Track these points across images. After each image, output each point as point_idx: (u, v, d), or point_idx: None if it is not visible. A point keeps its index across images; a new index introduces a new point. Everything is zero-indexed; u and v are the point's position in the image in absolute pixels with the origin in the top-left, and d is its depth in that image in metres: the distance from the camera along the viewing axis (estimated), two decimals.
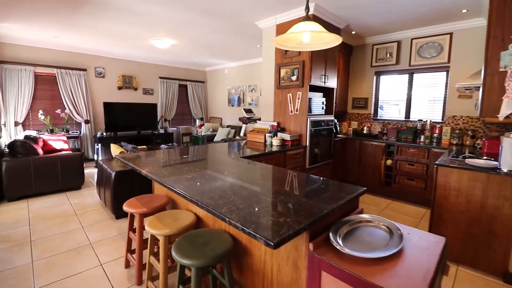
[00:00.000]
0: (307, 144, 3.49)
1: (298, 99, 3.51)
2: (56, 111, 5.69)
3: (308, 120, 3.45)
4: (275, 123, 3.75)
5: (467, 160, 2.39)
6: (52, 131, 5.59)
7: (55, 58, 5.70)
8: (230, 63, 7.50)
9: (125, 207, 1.96)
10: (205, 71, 8.66)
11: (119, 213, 3.11)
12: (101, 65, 6.38)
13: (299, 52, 3.45)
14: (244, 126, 6.10)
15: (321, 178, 1.78)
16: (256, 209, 1.23)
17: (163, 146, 5.81)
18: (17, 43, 5.24)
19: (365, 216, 1.38)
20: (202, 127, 7.81)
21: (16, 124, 5.27)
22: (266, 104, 4.02)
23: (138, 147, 5.32)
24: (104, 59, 6.41)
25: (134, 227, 2.21)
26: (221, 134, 7.04)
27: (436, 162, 2.43)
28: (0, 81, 5.06)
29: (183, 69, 8.04)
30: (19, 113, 5.29)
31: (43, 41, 5.21)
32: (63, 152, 4.17)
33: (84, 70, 6.02)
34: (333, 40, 1.60)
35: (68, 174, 4.05)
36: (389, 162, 4.01)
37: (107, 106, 6.23)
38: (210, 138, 7.19)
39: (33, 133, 4.96)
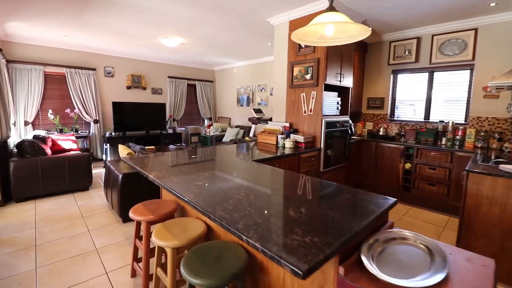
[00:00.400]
0: (322, 146, 3.32)
1: (313, 98, 3.34)
2: (65, 111, 5.67)
3: (323, 121, 3.28)
4: (288, 124, 3.59)
5: (501, 166, 2.18)
6: (61, 131, 5.57)
7: (64, 57, 5.67)
8: (239, 62, 7.37)
9: (131, 214, 1.84)
10: (214, 70, 8.56)
11: (126, 217, 3.01)
12: (110, 65, 6.34)
13: (314, 49, 3.28)
14: (253, 126, 5.96)
15: (344, 186, 1.62)
16: (276, 224, 1.08)
17: (171, 146, 5.72)
18: (27, 43, 5.23)
19: (399, 232, 1.21)
20: (211, 127, 7.70)
21: (26, 123, 5.27)
22: (277, 104, 3.86)
23: (146, 147, 5.25)
24: (113, 59, 6.37)
25: (140, 235, 2.09)
26: (230, 134, 6.92)
27: (467, 168, 2.22)
28: (11, 80, 5.05)
29: (191, 68, 7.96)
30: (29, 113, 5.28)
31: (52, 40, 5.19)
32: (71, 153, 4.11)
33: (94, 69, 5.99)
34: (360, 33, 1.43)
35: (76, 174, 3.99)
36: (407, 165, 3.80)
37: (116, 105, 6.18)
38: (218, 139, 7.08)
39: (42, 133, 4.93)
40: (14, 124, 5.00)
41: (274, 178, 1.80)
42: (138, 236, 2.05)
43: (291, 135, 3.36)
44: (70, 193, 4.00)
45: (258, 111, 6.12)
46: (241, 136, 6.85)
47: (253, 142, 3.80)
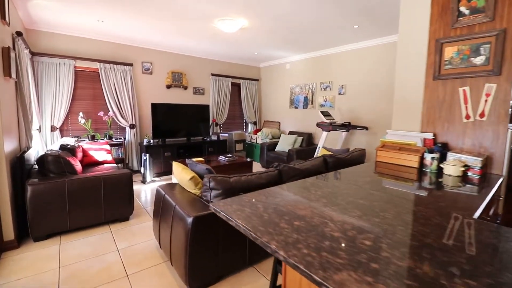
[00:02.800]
0: (504, 172, 2.03)
1: (488, 95, 2.06)
2: (98, 114, 4.74)
3: (510, 132, 1.99)
4: (430, 136, 2.33)
5: None
6: (93, 138, 4.64)
7: (98, 50, 4.76)
8: (295, 55, 6.18)
9: None
10: (260, 67, 7.43)
11: (196, 284, 1.88)
12: (149, 59, 5.38)
13: (492, 14, 2.00)
14: (324, 134, 4.72)
15: None
16: None
17: (222, 158, 4.62)
18: (55, 31, 4.34)
19: None
20: (258, 133, 6.56)
21: (53, 129, 4.37)
22: (403, 105, 2.60)
23: (195, 159, 4.17)
24: (152, 53, 5.41)
25: None
26: (285, 142, 5.73)
27: None
28: (36, 77, 4.17)
29: (235, 65, 6.87)
30: (57, 116, 4.37)
31: (84, 28, 4.26)
32: (107, 171, 3.07)
33: (131, 65, 5.03)
34: None
35: (114, 200, 2.95)
36: None
37: (156, 108, 5.19)
38: (270, 147, 5.91)
39: (71, 141, 3.99)
40: (39, 130, 4.10)
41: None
42: None
43: (452, 154, 2.10)
44: (106, 225, 2.96)
45: (326, 114, 4.90)
46: (299, 145, 5.66)
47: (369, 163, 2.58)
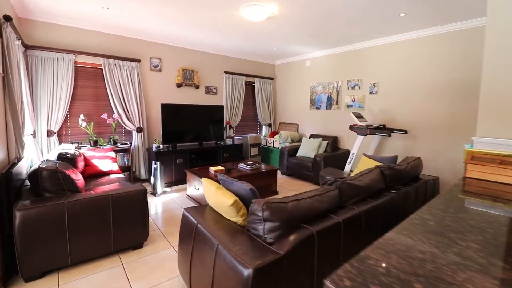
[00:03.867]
0: None
1: None
2: (101, 116, 4.16)
3: None
4: None
5: None
6: (95, 143, 4.06)
7: (101, 43, 4.19)
8: (317, 51, 5.63)
9: None
10: (274, 64, 6.87)
11: None
12: (157, 55, 4.81)
13: None
14: (360, 138, 4.17)
15: None
16: None
17: (243, 166, 4.06)
18: (52, 21, 3.77)
19: None
20: (275, 136, 6.00)
21: (50, 133, 3.79)
22: (496, 104, 2.05)
23: (214, 168, 3.62)
24: (161, 47, 4.84)
25: None
26: (308, 147, 5.18)
27: None
28: (30, 73, 3.59)
29: (249, 62, 6.31)
30: (54, 119, 3.80)
31: (86, 17, 3.70)
32: (117, 189, 2.50)
33: (138, 61, 4.46)
34: None
35: (125, 224, 2.38)
36: None
37: (166, 109, 4.62)
38: (291, 152, 5.35)
39: (70, 148, 3.41)
40: (34, 135, 3.52)
41: None
42: None
43: None
44: (115, 255, 2.39)
45: (359, 115, 4.36)
46: (323, 150, 5.10)
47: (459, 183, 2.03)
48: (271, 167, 4.14)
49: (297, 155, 5.32)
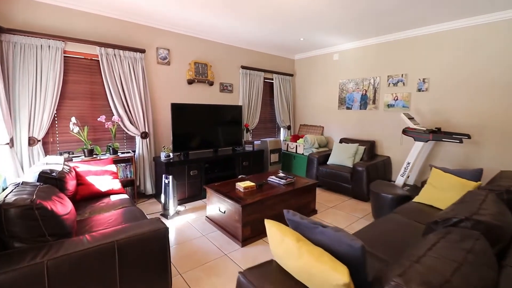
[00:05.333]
0: None
1: None
2: (98, 119, 3.36)
3: None
4: None
5: None
6: (91, 153, 3.26)
7: (98, 29, 3.38)
8: (346, 43, 4.87)
9: None
10: (294, 59, 6.11)
11: None
12: (165, 45, 4.01)
13: None
14: (419, 145, 3.42)
15: None
16: None
17: (274, 179, 3.29)
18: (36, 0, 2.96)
19: None
20: (299, 141, 5.24)
21: (32, 141, 2.97)
22: None
23: (242, 185, 2.86)
24: (170, 36, 4.04)
25: None
26: (341, 153, 4.42)
27: None
28: (5, 65, 2.77)
29: (268, 56, 5.54)
30: (37, 123, 2.98)
31: None
32: (126, 235, 1.68)
33: (142, 51, 3.66)
34: None
35: (137, 278, 1.59)
36: None
37: (177, 109, 3.83)
38: (321, 160, 4.59)
39: (58, 160, 2.58)
40: (11, 144, 2.71)
41: None
42: None
43: None
44: None
45: (410, 117, 3.62)
46: (360, 158, 4.35)
47: None
48: (310, 181, 3.37)
49: (328, 163, 4.56)
